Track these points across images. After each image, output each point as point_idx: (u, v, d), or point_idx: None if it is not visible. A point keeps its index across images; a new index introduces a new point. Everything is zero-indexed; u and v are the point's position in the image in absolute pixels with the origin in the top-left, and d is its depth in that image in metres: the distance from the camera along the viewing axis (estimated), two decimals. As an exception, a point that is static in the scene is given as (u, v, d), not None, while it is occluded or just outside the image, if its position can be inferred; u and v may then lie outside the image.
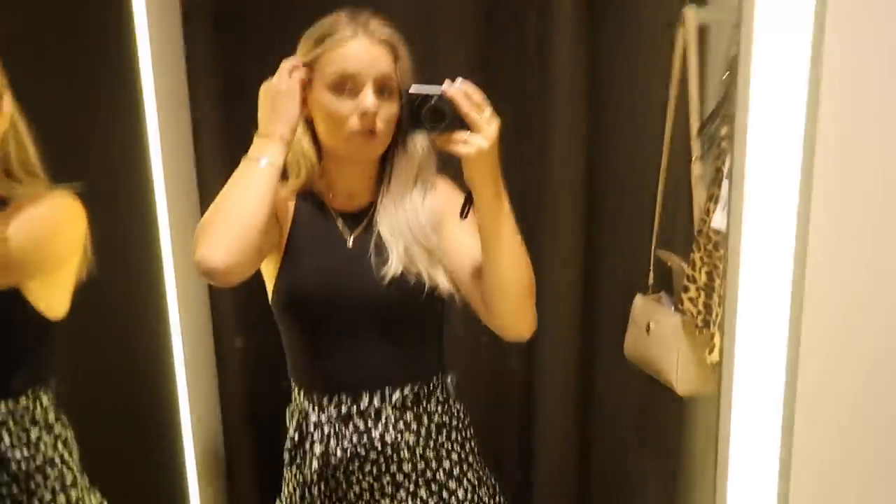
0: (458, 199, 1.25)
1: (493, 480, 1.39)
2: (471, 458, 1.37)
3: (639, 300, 1.68)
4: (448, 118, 1.12)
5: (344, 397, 1.30)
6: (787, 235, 0.87)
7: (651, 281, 1.68)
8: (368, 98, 1.19)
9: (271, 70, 1.21)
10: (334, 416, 1.30)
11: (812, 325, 0.86)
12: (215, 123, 1.79)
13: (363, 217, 1.31)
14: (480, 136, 1.11)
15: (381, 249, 1.26)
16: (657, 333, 1.61)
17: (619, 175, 1.75)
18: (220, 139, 1.79)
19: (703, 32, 1.58)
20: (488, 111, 1.12)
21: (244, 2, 1.78)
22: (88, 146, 1.60)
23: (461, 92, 1.12)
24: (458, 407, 1.38)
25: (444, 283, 1.27)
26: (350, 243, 1.29)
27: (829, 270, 0.85)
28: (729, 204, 1.00)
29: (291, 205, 1.32)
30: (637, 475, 1.87)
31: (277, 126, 1.18)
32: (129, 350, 1.74)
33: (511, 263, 1.18)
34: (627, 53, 1.71)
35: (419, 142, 1.28)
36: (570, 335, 1.80)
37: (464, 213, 1.21)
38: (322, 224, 1.31)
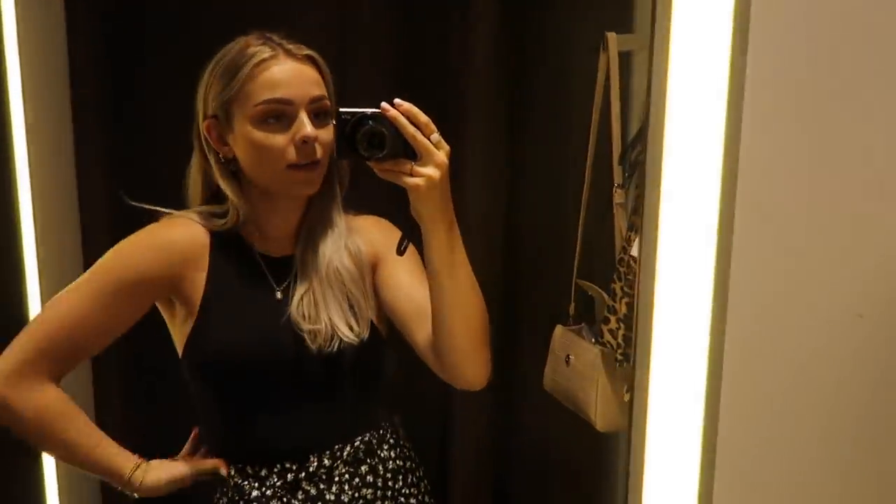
0: (396, 236, 1.15)
1: None
2: (427, 499, 1.28)
3: (558, 331, 1.63)
4: (389, 143, 0.98)
5: (288, 465, 1.16)
6: (706, 262, 0.82)
7: (572, 312, 1.63)
8: (307, 126, 1.07)
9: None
10: (279, 486, 1.16)
11: (733, 359, 0.81)
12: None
13: (291, 262, 1.18)
14: (430, 164, 0.98)
15: (309, 301, 1.14)
16: (577, 366, 1.55)
17: (540, 202, 1.71)
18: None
19: (625, 58, 1.56)
20: (436, 134, 0.99)
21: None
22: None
23: (402, 111, 0.98)
24: (409, 446, 1.28)
25: (380, 330, 1.18)
26: (280, 294, 1.16)
27: (752, 300, 0.80)
28: (641, 231, 0.94)
29: (206, 241, 1.16)
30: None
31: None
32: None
33: (466, 304, 1.07)
34: (550, 79, 1.68)
35: (343, 172, 1.18)
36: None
37: (401, 250, 1.09)
38: (247, 272, 1.17)
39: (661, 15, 0.77)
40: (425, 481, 1.30)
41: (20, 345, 1.11)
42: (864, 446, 0.84)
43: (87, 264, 1.53)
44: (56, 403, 1.12)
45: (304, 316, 1.13)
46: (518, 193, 1.69)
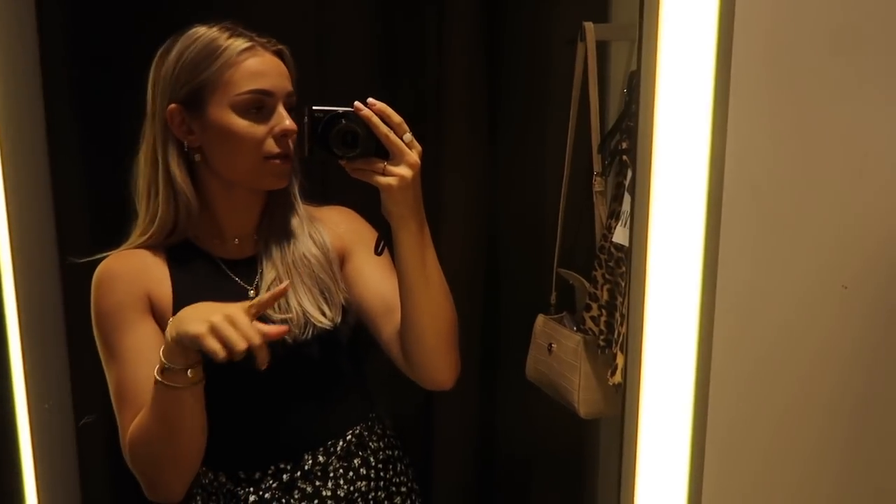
0: (364, 228, 1.14)
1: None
2: (415, 485, 1.28)
3: (540, 320, 1.64)
4: (362, 142, 0.98)
5: (283, 465, 1.14)
6: (695, 248, 0.84)
7: (553, 300, 1.64)
8: (287, 119, 1.07)
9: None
10: (275, 488, 1.14)
11: (723, 345, 0.82)
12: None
13: (254, 263, 1.15)
14: (403, 163, 0.98)
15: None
16: (559, 354, 1.57)
17: (520, 191, 1.72)
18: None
19: (602, 48, 1.58)
20: (409, 134, 0.99)
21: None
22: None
23: (376, 111, 0.98)
24: (394, 435, 1.28)
25: (352, 315, 1.16)
26: (252, 293, 1.13)
27: (741, 284, 0.82)
28: (631, 219, 0.95)
29: (161, 259, 1.12)
30: (540, 501, 1.82)
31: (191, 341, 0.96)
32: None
33: (435, 303, 1.06)
34: (528, 69, 1.68)
35: (297, 166, 1.15)
36: (469, 357, 1.73)
37: (379, 250, 1.08)
38: (211, 278, 1.13)
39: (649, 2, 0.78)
40: (412, 468, 1.30)
41: (126, 418, 1.07)
42: (850, 416, 0.86)
43: (63, 254, 1.51)
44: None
45: (273, 306, 1.09)
46: (498, 184, 1.70)
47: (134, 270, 1.11)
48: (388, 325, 1.13)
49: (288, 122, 1.07)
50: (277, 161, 1.08)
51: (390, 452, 1.25)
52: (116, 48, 1.54)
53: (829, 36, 0.79)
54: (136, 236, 1.13)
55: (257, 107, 1.07)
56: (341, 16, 1.64)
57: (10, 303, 1.42)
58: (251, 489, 1.14)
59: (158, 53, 1.10)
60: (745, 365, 0.83)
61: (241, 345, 0.93)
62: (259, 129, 1.07)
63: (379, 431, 1.24)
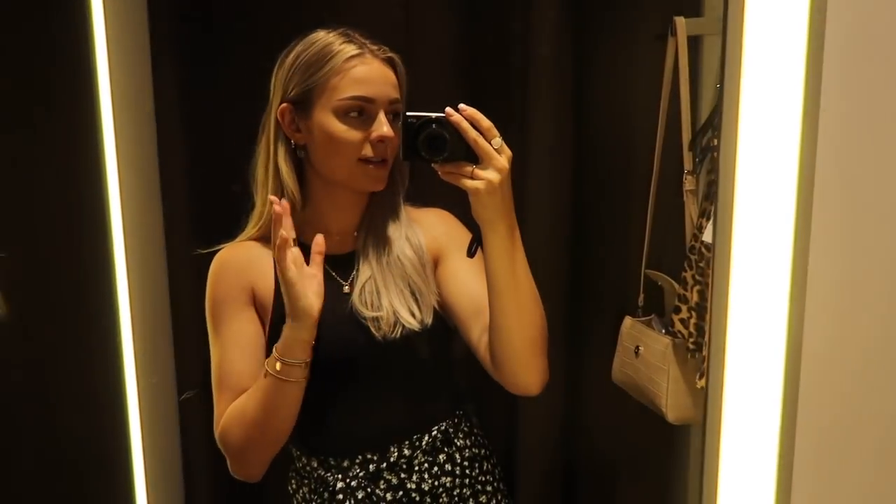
0: (459, 231, 1.16)
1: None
2: (501, 486, 1.29)
3: (627, 322, 1.60)
4: (450, 147, 1.00)
5: (370, 455, 1.19)
6: (784, 248, 0.80)
7: (641, 302, 1.60)
8: (385, 126, 1.11)
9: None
10: (362, 476, 1.18)
11: (813, 349, 0.78)
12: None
13: (353, 259, 1.20)
14: (491, 168, 0.99)
15: (371, 290, 1.16)
16: (646, 357, 1.53)
17: (607, 191, 1.68)
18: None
19: (695, 43, 1.53)
20: (498, 139, 1.00)
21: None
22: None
23: (466, 116, 1.00)
24: (482, 434, 1.29)
25: (445, 319, 1.19)
26: (347, 288, 1.18)
27: (832, 284, 0.77)
28: (715, 218, 0.92)
29: (268, 253, 1.17)
30: (626, 508, 1.78)
31: (306, 306, 1.07)
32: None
33: (523, 308, 1.06)
34: (616, 66, 1.65)
35: (405, 170, 1.20)
36: (554, 360, 1.71)
37: (471, 252, 1.09)
38: None
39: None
40: (499, 468, 1.31)
41: (222, 400, 1.17)
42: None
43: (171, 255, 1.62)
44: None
45: (366, 304, 1.15)
46: (585, 183, 1.67)
47: (242, 263, 1.19)
48: (477, 328, 1.14)
49: (385, 129, 1.11)
50: (372, 165, 1.13)
51: (477, 451, 1.26)
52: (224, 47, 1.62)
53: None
54: (250, 227, 1.22)
55: (358, 111, 1.11)
56: (429, 24, 1.66)
57: (122, 292, 1.53)
58: (339, 476, 1.19)
59: (283, 53, 1.16)
60: (838, 371, 0.78)
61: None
62: (357, 134, 1.11)
63: (466, 429, 1.26)
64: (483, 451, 1.28)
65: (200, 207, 1.64)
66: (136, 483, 1.54)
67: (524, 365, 1.09)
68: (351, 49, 1.11)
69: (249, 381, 1.14)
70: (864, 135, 0.76)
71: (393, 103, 1.13)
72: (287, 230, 1.06)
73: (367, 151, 1.11)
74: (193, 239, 1.31)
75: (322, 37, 1.13)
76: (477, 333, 1.14)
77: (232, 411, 1.14)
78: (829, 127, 0.75)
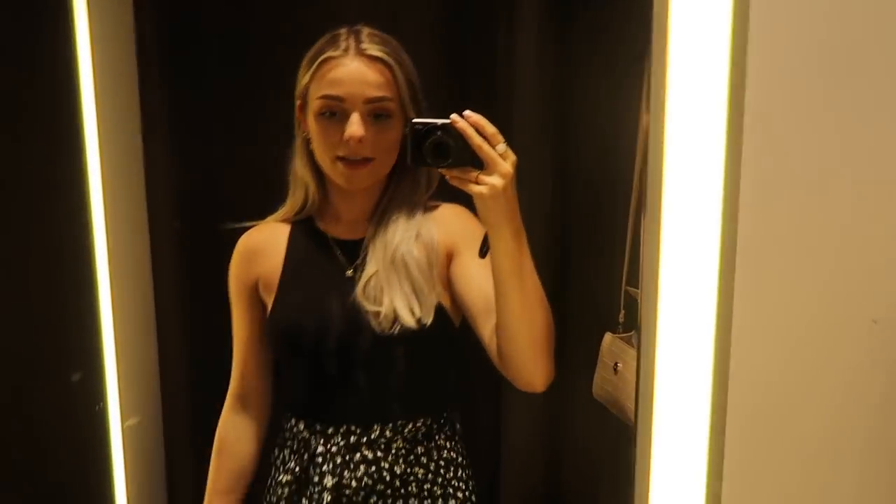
0: (475, 228, 1.19)
1: None
2: (473, 498, 1.32)
3: (608, 339, 1.60)
4: (454, 153, 1.03)
5: (353, 428, 1.25)
6: (710, 282, 0.80)
7: (621, 319, 1.60)
8: (354, 125, 1.14)
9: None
10: (342, 445, 1.25)
11: (740, 384, 0.78)
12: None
13: (362, 245, 1.26)
14: (495, 173, 1.01)
15: (375, 284, 1.21)
16: (625, 374, 1.53)
17: (588, 208, 1.68)
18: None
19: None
20: (503, 145, 1.03)
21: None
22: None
23: (471, 123, 1.03)
24: (462, 444, 1.33)
25: (452, 320, 1.24)
26: (350, 272, 1.24)
27: (760, 321, 0.78)
28: (644, 238, 0.92)
29: (285, 234, 1.30)
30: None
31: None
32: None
33: (528, 309, 1.09)
34: (598, 84, 1.65)
35: (433, 172, 1.25)
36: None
37: (482, 252, 1.12)
38: (320, 254, 1.27)
39: (659, 18, 0.76)
40: (473, 482, 1.33)
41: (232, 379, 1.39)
42: (875, 449, 0.80)
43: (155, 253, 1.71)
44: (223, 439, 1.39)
45: (368, 297, 1.20)
46: (565, 199, 1.68)
47: (255, 250, 1.31)
48: (489, 324, 1.17)
49: (354, 129, 1.14)
50: (346, 164, 1.18)
51: (454, 455, 1.30)
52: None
53: (853, 43, 0.73)
54: (280, 211, 1.33)
55: (331, 111, 1.16)
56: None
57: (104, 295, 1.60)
58: (322, 441, 1.25)
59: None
60: (764, 407, 0.78)
61: None
62: (330, 133, 1.17)
63: (448, 433, 1.30)
64: (461, 459, 1.31)
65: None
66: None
67: (529, 363, 1.11)
68: (330, 50, 1.16)
69: (243, 367, 1.36)
70: (791, 167, 0.76)
71: (373, 101, 1.16)
72: None
73: (341, 150, 1.17)
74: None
75: (324, 37, 1.20)
76: (489, 330, 1.17)
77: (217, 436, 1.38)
78: (754, 142, 0.75)
